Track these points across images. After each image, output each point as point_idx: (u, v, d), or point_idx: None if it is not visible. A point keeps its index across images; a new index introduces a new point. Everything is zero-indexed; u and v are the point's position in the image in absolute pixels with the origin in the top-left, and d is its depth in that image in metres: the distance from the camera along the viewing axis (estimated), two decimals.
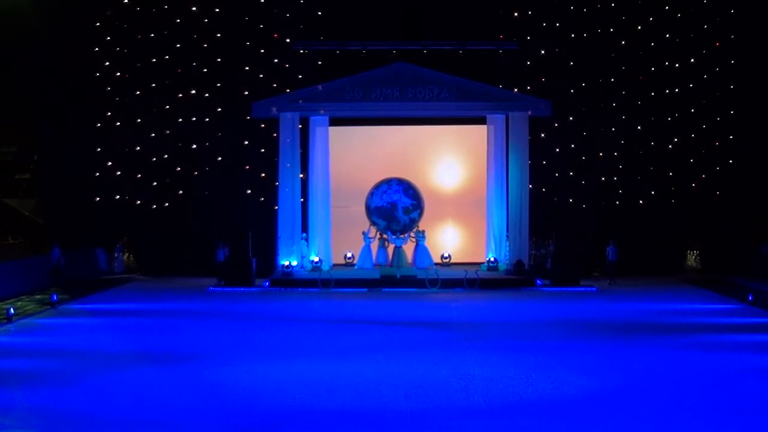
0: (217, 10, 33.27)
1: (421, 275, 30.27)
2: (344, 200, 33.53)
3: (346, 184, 33.64)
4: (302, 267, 31.77)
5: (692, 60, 33.83)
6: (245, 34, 33.24)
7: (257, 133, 33.23)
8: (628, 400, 14.60)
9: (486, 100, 32.29)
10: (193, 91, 33.29)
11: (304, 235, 32.35)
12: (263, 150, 33.22)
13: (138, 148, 33.40)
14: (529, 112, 32.18)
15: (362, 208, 33.50)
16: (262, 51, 33.31)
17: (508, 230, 32.08)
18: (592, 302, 26.64)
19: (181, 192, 33.50)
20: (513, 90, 32.78)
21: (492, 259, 32.11)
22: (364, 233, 32.99)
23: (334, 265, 32.66)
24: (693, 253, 34.41)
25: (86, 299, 27.02)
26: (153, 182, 33.50)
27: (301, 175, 32.45)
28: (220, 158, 33.37)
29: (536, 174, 32.59)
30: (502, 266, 31.84)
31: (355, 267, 32.85)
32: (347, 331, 21.34)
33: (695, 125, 33.95)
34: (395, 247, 32.68)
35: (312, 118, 32.59)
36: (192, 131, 33.38)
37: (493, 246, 32.32)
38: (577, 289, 29.15)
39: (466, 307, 25.76)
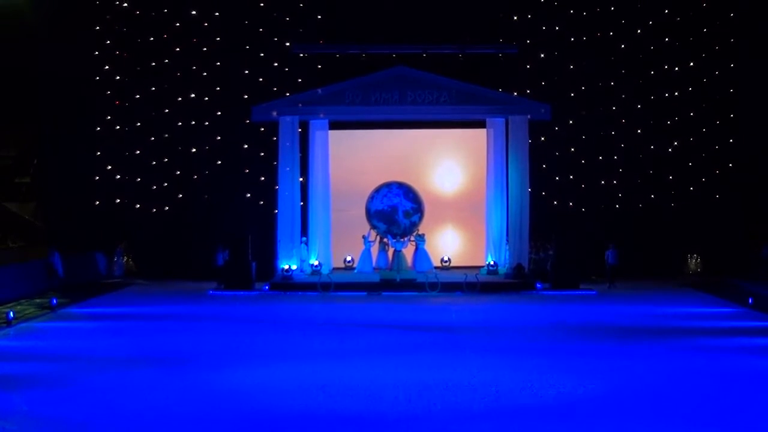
0: (217, 13, 33.33)
1: (420, 279, 30.23)
2: (344, 204, 33.49)
3: (346, 188, 33.63)
4: (302, 270, 31.76)
5: (691, 64, 33.88)
6: (245, 38, 33.29)
7: (257, 136, 33.26)
8: (628, 403, 14.58)
9: (485, 103, 32.31)
10: (193, 95, 33.35)
11: (304, 238, 32.35)
12: (263, 153, 33.25)
13: (138, 151, 33.46)
14: (529, 116, 32.18)
15: (362, 212, 33.46)
16: (262, 55, 33.36)
17: (507, 234, 32.07)
18: (592, 306, 26.60)
19: (180, 196, 33.53)
20: (512, 94, 32.83)
21: (492, 262, 32.10)
22: (364, 237, 32.96)
23: (334, 268, 32.67)
24: (693, 257, 34.39)
25: (86, 303, 26.99)
26: (153, 186, 33.53)
27: (301, 179, 32.45)
28: (219, 162, 33.41)
29: (536, 178, 32.60)
30: (501, 270, 31.82)
31: (355, 270, 32.83)
32: (347, 335, 21.32)
33: (695, 129, 34.00)
34: (395, 251, 32.64)
35: (312, 122, 32.60)
36: (192, 135, 33.43)
37: (492, 249, 32.31)
38: (577, 292, 29.10)
39: (466, 310, 25.73)
